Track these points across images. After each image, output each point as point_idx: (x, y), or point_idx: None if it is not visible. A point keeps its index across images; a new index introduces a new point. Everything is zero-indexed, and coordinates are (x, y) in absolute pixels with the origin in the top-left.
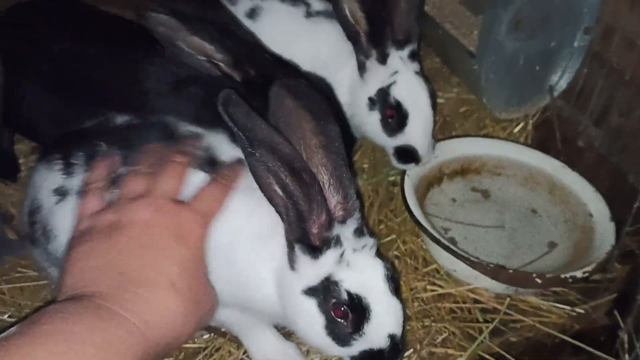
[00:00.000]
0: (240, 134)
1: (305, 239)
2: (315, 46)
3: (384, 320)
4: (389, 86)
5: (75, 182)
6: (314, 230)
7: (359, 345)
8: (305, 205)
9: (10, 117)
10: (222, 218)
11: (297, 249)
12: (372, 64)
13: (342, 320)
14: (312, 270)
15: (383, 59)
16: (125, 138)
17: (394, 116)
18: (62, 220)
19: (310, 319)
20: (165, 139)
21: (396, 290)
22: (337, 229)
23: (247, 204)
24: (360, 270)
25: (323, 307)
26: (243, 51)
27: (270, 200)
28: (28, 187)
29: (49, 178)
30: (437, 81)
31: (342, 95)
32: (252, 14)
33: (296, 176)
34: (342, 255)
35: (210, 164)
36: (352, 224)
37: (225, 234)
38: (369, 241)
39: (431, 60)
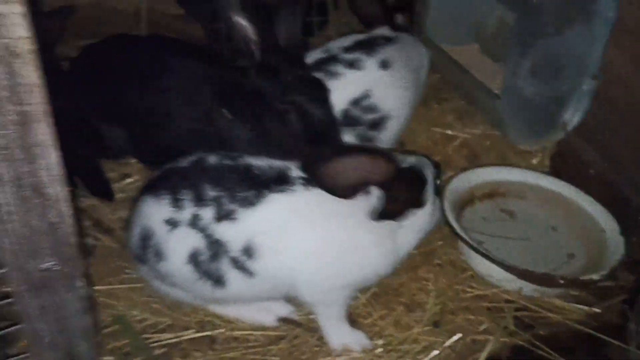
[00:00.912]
0: None
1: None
2: None
3: None
4: None
5: (185, 214)
6: None
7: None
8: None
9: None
10: None
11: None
12: None
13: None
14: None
15: None
16: (222, 178)
17: None
18: (174, 245)
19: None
20: (253, 179)
21: None
22: None
23: None
24: None
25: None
26: (269, 40)
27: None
28: (136, 215)
29: (159, 210)
30: (464, 119)
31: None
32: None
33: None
34: None
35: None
36: None
37: None
38: None
39: (457, 101)
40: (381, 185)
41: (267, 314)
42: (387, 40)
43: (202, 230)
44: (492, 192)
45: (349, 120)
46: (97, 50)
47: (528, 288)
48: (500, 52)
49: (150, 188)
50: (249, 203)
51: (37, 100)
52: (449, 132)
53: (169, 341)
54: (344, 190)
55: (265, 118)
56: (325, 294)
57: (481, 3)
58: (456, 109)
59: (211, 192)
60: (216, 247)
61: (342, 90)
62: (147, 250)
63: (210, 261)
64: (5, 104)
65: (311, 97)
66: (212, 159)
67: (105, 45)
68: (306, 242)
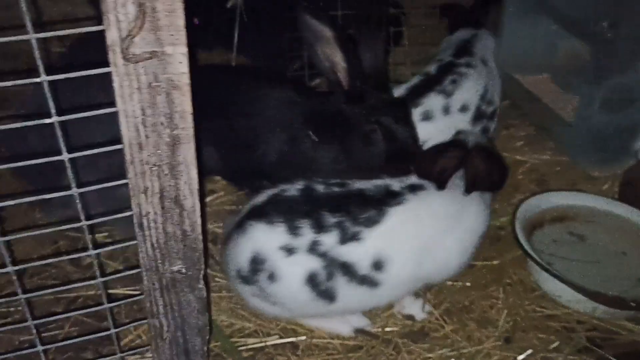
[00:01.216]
0: None
1: None
2: None
3: None
4: None
5: (303, 241)
6: None
7: None
8: None
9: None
10: None
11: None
12: None
13: None
14: None
15: None
16: (339, 205)
17: None
18: (291, 269)
19: None
20: (369, 200)
21: None
22: None
23: None
24: None
25: None
26: (357, 68)
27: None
28: (244, 240)
29: (273, 237)
30: (533, 144)
31: None
32: None
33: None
34: None
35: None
36: None
37: None
38: None
39: (526, 127)
40: (463, 167)
41: (344, 325)
42: (471, 42)
43: (322, 254)
44: (562, 216)
45: (480, 114)
46: (195, 76)
47: (598, 309)
48: (572, 82)
49: (259, 214)
50: (373, 222)
51: (187, 125)
52: (519, 157)
53: (255, 345)
54: (445, 182)
55: (350, 139)
56: (456, 271)
57: (553, 35)
58: (525, 135)
59: (332, 219)
60: (337, 268)
61: (472, 88)
62: (257, 273)
63: (326, 281)
64: (163, 128)
65: (395, 118)
66: (320, 188)
67: (202, 73)
68: (439, 235)
